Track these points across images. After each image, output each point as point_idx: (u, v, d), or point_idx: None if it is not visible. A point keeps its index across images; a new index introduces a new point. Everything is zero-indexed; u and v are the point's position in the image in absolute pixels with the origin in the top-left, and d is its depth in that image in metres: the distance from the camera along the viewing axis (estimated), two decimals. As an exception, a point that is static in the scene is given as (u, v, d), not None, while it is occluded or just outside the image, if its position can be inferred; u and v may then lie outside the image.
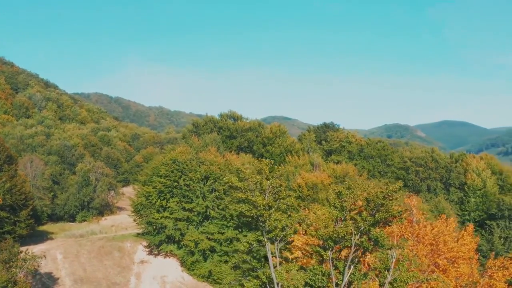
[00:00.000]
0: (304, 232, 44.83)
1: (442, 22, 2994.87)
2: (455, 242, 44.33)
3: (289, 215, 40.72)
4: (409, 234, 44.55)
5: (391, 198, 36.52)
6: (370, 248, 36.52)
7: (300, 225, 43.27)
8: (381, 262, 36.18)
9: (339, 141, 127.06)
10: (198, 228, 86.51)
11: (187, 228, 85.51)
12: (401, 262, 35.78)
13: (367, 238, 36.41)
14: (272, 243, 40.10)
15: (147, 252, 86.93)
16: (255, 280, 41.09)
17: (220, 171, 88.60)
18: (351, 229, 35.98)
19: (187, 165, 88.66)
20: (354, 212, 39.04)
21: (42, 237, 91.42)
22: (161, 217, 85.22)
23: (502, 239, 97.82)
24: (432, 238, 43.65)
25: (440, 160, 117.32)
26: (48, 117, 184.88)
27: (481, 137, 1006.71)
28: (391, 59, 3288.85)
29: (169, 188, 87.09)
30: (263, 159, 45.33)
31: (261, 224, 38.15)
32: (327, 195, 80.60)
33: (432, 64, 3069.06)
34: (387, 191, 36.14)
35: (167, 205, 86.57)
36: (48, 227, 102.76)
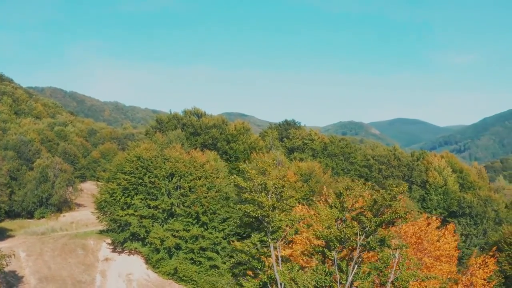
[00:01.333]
0: (305, 232, 44.98)
1: (397, 20, 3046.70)
2: (436, 241, 45.45)
3: (292, 216, 40.79)
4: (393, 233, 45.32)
5: (398, 199, 37.04)
6: (376, 248, 36.95)
7: (300, 224, 43.36)
8: (382, 261, 36.70)
9: (301, 139, 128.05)
10: (163, 225, 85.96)
11: (152, 226, 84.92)
12: (401, 261, 36.40)
13: (374, 239, 36.83)
14: (275, 243, 40.13)
15: (111, 250, 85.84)
16: (254, 280, 41.08)
17: (186, 168, 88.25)
18: (356, 230, 36.38)
19: (152, 162, 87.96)
20: (354, 212, 39.48)
21: (2, 234, 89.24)
22: (126, 215, 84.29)
23: (463, 237, 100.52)
24: (418, 237, 44.63)
25: (402, 158, 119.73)
26: (3, 112, 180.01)
27: (434, 135, 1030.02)
28: (346, 57, 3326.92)
29: (134, 185, 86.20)
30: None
31: (265, 224, 38.13)
32: (295, 193, 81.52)
33: (386, 62, 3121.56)
34: (395, 192, 36.61)
35: (131, 202, 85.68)
36: (6, 224, 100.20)
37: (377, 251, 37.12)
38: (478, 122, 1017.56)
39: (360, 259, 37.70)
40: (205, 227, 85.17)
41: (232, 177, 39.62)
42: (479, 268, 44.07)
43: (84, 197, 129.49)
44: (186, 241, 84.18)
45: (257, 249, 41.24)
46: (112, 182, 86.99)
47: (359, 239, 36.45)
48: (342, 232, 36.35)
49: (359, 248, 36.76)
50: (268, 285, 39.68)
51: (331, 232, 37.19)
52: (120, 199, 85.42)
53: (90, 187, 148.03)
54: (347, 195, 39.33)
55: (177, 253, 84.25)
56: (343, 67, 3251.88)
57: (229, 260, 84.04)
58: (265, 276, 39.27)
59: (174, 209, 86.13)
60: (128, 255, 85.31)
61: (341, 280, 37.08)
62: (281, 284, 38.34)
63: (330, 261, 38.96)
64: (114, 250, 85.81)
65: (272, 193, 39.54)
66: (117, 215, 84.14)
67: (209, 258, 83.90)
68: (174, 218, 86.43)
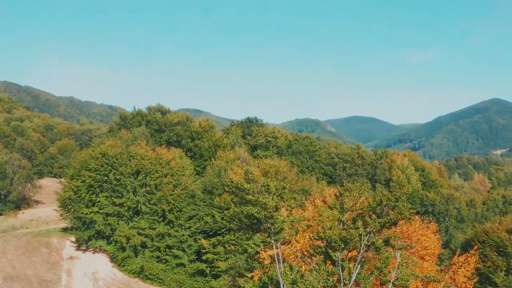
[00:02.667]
0: (306, 233, 45.10)
1: (352, 19, 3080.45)
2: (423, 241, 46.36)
3: (293, 217, 40.86)
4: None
5: (403, 200, 37.50)
6: (381, 248, 37.33)
7: (299, 225, 43.45)
8: (382, 261, 37.21)
9: (264, 136, 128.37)
10: (128, 223, 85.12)
11: (118, 223, 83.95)
12: (401, 261, 37.01)
13: (379, 239, 37.23)
14: (276, 243, 40.12)
15: (75, 248, 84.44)
16: (251, 280, 40.98)
17: (152, 165, 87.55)
18: (361, 231, 36.75)
19: (117, 159, 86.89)
20: (354, 213, 39.87)
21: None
22: (91, 212, 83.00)
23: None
24: (406, 236, 45.35)
25: (366, 156, 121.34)
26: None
27: (389, 133, 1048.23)
28: (302, 54, 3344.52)
29: (99, 183, 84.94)
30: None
31: (269, 226, 38.09)
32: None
33: (343, 60, 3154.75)
34: (400, 193, 37.07)
35: (96, 199, 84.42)
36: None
37: (382, 251, 37.55)
38: (432, 120, 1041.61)
39: (362, 259, 38.12)
40: (171, 225, 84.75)
41: (236, 179, 39.38)
42: (461, 266, 45.30)
43: (43, 194, 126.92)
44: (152, 239, 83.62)
45: (257, 250, 41.14)
46: (76, 180, 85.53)
47: (363, 240, 36.88)
48: (348, 233, 36.73)
49: (363, 248, 37.19)
50: (269, 286, 39.66)
51: (334, 233, 37.55)
52: (84, 196, 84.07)
53: (47, 184, 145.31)
54: (347, 196, 39.77)
55: (143, 252, 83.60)
56: (300, 64, 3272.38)
57: (196, 259, 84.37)
58: (266, 277, 39.24)
59: (140, 206, 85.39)
60: (93, 253, 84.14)
61: (344, 281, 37.48)
62: (283, 285, 38.40)
63: (332, 261, 39.28)
64: (78, 248, 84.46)
65: (273, 194, 39.62)
66: (82, 212, 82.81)
67: (176, 256, 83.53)
68: (140, 216, 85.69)
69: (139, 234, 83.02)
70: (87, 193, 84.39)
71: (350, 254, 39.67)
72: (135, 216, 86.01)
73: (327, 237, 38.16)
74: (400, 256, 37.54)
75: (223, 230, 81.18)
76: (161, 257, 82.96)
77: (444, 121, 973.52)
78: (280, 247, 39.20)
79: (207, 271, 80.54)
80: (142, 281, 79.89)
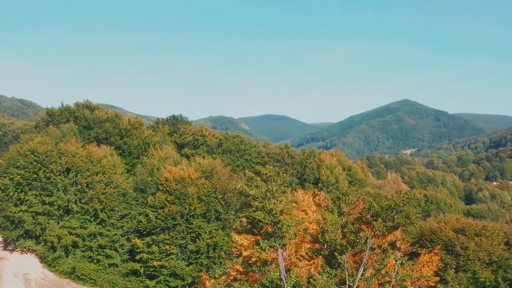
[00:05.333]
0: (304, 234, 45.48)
1: (266, 18, 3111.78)
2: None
3: (295, 220, 41.12)
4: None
5: (410, 204, 38.77)
6: (388, 251, 38.35)
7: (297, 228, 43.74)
8: (379, 262, 38.46)
9: (192, 134, 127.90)
10: (59, 222, 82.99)
11: (48, 223, 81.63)
12: (397, 262, 38.47)
13: (385, 242, 38.34)
14: (280, 247, 40.21)
15: (2, 248, 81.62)
16: (246, 283, 40.89)
17: (83, 163, 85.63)
18: (368, 234, 37.74)
19: (47, 157, 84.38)
20: (352, 216, 40.86)
21: None
22: (19, 211, 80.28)
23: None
24: None
25: (295, 156, 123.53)
26: None
27: (301, 131, 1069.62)
28: (216, 53, 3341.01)
29: (28, 180, 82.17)
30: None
31: (276, 230, 38.13)
32: (197, 190, 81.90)
33: (258, 59, 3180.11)
34: (408, 198, 38.26)
35: (25, 198, 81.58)
36: None
37: (388, 254, 38.68)
38: (344, 120, 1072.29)
39: (366, 262, 39.16)
40: (104, 224, 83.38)
41: (239, 185, 39.29)
42: (424, 265, 47.67)
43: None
44: (84, 239, 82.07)
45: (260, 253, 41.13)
46: (3, 177, 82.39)
47: (369, 243, 37.97)
48: (357, 236, 37.77)
49: (368, 251, 38.25)
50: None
51: (340, 236, 38.57)
52: (13, 195, 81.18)
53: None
54: (345, 200, 40.86)
55: (74, 252, 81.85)
56: (213, 61, 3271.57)
57: (129, 259, 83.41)
58: (267, 281, 39.34)
59: (71, 205, 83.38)
60: (21, 253, 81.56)
61: (349, 283, 38.45)
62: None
63: (335, 264, 40.11)
64: (5, 248, 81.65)
65: (276, 198, 39.91)
66: (10, 211, 79.95)
67: (108, 256, 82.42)
68: (71, 215, 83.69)
69: (70, 233, 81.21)
70: (15, 191, 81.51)
71: (354, 256, 40.77)
72: (66, 215, 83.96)
73: (332, 240, 39.09)
74: (397, 258, 39.15)
75: (157, 229, 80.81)
76: (93, 257, 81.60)
77: (356, 121, 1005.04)
78: (280, 250, 39.55)
79: (141, 271, 79.91)
80: (74, 282, 78.20)
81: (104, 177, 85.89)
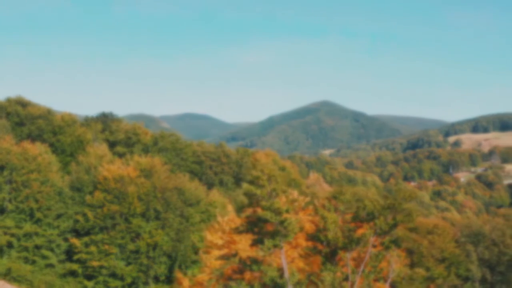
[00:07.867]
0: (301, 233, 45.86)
1: (192, 15, 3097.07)
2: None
3: (298, 218, 41.52)
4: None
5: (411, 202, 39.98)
6: (392, 248, 39.40)
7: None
8: (374, 259, 39.68)
9: (124, 132, 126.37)
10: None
11: (-20, 223, 78.93)
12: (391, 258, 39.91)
13: (389, 239, 39.39)
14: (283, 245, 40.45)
15: None
16: (244, 282, 40.87)
17: (18, 161, 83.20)
18: (371, 232, 38.68)
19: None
20: (348, 215, 41.79)
21: None
22: (-51, 210, 77.38)
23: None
24: None
25: (231, 155, 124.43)
26: None
27: (222, 131, 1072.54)
28: (135, 47, 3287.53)
29: (-42, 179, 79.23)
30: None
31: (281, 229, 38.28)
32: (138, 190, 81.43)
33: (178, 55, 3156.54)
34: (408, 197, 39.38)
35: (-45, 197, 78.65)
36: None
37: (391, 251, 39.91)
38: (265, 120, 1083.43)
39: (367, 259, 40.23)
40: (39, 223, 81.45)
41: (245, 185, 39.33)
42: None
43: None
44: (19, 239, 79.80)
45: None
46: None
47: (371, 240, 39.06)
48: (362, 234, 38.79)
49: (370, 248, 39.33)
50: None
51: (342, 234, 39.53)
52: None
53: None
54: (341, 199, 41.88)
55: (9, 252, 79.49)
56: (132, 57, 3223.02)
57: (67, 260, 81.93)
58: (268, 279, 39.52)
59: (5, 204, 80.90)
60: (-49, 254, 78.30)
61: (352, 279, 39.43)
62: (290, 285, 39.04)
63: (335, 260, 40.97)
64: None
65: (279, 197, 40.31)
66: None
67: (44, 257, 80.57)
68: (5, 214, 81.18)
69: (5, 233, 78.77)
70: None
71: (356, 253, 41.88)
72: (0, 214, 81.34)
73: (334, 239, 40.02)
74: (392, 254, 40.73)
75: (96, 229, 79.90)
76: (29, 258, 79.53)
77: (277, 121, 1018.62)
78: (283, 249, 40.01)
79: (79, 271, 78.78)
80: (9, 284, 75.71)
81: (40, 175, 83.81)
